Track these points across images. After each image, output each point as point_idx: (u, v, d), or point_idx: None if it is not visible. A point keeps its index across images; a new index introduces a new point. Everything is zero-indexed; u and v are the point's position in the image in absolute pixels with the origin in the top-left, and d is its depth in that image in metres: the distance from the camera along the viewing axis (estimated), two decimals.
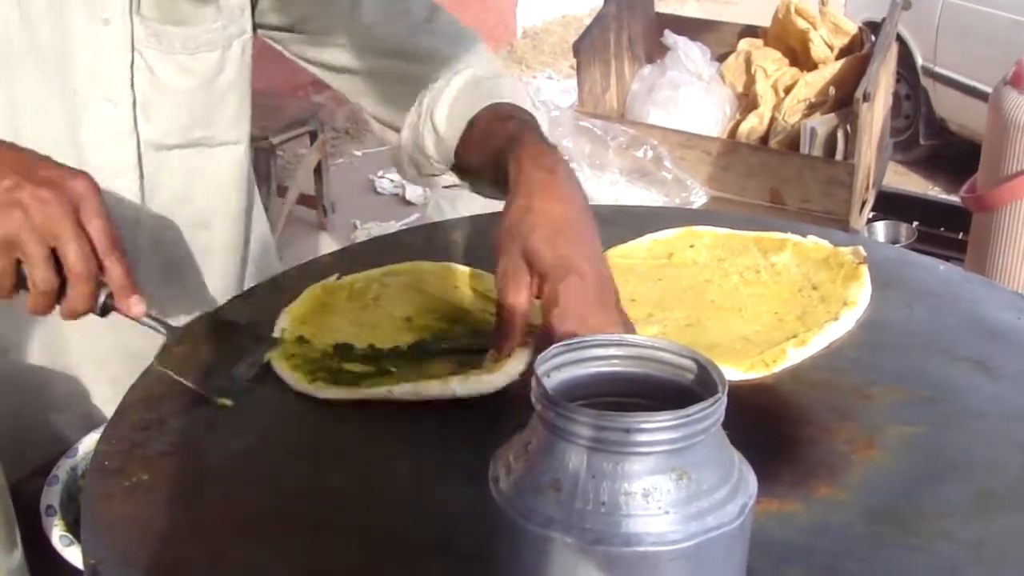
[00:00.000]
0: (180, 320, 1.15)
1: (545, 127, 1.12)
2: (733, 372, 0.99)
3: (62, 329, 1.15)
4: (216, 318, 1.07)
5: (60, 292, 0.93)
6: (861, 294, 1.12)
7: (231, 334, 1.03)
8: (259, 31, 1.26)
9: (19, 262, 0.91)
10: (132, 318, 0.96)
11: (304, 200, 4.54)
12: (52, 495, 1.03)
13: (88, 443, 1.08)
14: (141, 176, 1.17)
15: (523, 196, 0.97)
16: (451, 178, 1.23)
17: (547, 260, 0.92)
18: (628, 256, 1.21)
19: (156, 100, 1.15)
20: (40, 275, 0.90)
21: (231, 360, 0.99)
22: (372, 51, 1.24)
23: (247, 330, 1.04)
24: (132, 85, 1.13)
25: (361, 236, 4.38)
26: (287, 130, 4.28)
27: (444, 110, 1.16)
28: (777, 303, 1.13)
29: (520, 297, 0.94)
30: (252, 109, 1.28)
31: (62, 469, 1.06)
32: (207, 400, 0.94)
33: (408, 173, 1.26)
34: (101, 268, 0.93)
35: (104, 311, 0.95)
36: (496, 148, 1.06)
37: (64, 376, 1.20)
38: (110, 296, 0.95)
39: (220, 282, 1.29)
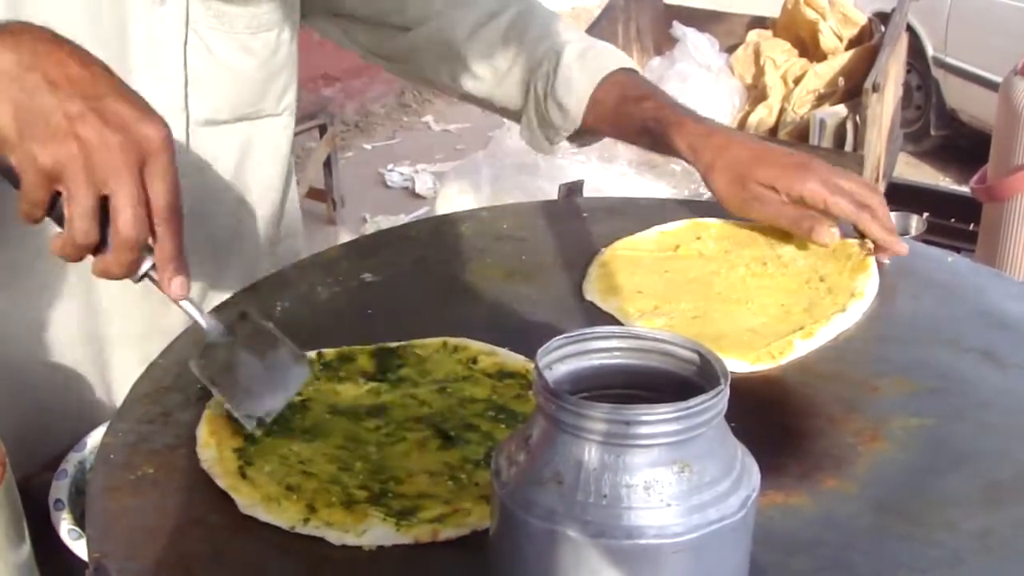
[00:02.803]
0: (214, 300, 1.15)
1: None
2: (740, 364, 0.99)
3: (62, 322, 1.15)
4: (255, 321, 0.93)
5: (98, 245, 0.81)
6: (868, 285, 1.11)
7: (271, 346, 0.90)
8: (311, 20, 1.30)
9: (58, 194, 0.79)
10: (171, 298, 0.84)
11: (313, 194, 4.53)
12: (60, 489, 1.03)
13: (96, 437, 1.07)
14: (188, 151, 1.15)
15: (725, 145, 1.20)
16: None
17: (794, 176, 1.16)
18: (635, 248, 1.21)
19: (209, 79, 1.14)
20: (81, 226, 0.79)
21: (268, 380, 0.89)
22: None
23: (287, 345, 0.91)
24: (185, 64, 1.12)
25: (370, 230, 4.37)
26: (296, 123, 4.27)
27: (564, 88, 1.29)
28: (784, 295, 1.12)
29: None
30: None
31: (70, 463, 1.06)
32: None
33: (542, 146, 1.39)
34: (152, 234, 0.81)
35: (141, 279, 0.84)
36: (645, 127, 1.26)
37: (63, 370, 1.19)
38: (153, 267, 0.83)
39: (252, 258, 1.28)
